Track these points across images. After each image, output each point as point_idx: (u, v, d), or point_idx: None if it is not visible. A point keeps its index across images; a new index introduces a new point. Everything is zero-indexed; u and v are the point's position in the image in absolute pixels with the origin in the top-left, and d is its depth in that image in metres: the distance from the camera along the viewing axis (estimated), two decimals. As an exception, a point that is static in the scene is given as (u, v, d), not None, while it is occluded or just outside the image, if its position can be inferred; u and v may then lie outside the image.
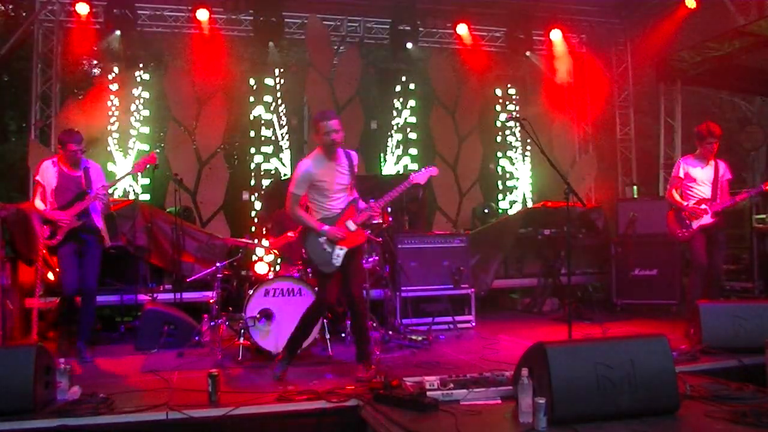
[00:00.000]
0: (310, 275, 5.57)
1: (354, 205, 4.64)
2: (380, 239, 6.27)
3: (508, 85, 10.99)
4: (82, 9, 8.51)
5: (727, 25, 8.29)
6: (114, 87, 9.22)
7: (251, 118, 9.67)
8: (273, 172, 9.64)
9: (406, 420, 3.29)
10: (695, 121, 7.12)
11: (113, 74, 9.25)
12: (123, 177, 5.60)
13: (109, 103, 9.15)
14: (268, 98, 9.69)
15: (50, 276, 6.44)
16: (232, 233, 8.77)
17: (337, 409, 3.78)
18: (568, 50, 10.33)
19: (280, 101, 9.81)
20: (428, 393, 3.61)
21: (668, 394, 3.31)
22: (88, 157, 5.52)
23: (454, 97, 10.48)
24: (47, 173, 5.25)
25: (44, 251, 5.42)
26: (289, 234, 5.82)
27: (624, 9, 10.12)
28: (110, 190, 5.77)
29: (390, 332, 6.04)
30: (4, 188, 11.17)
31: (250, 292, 5.28)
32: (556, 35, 10.04)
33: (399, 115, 10.33)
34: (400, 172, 9.95)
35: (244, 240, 6.68)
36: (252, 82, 9.73)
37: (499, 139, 10.90)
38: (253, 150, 9.64)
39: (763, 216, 7.37)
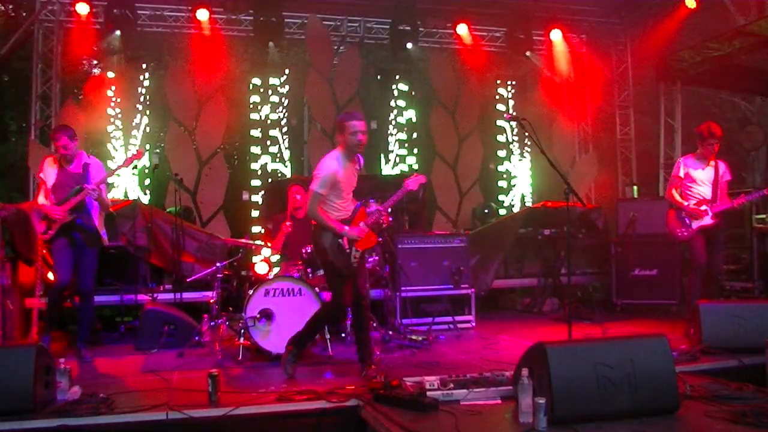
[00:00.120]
0: (310, 276, 5.57)
1: (364, 207, 4.69)
2: (380, 239, 6.27)
3: (508, 85, 10.99)
4: (82, 9, 8.51)
5: (727, 25, 8.29)
6: (114, 87, 9.22)
7: (251, 118, 9.67)
8: (275, 172, 9.63)
9: (406, 420, 3.29)
10: (695, 121, 7.13)
11: (113, 74, 9.25)
12: (110, 174, 5.52)
13: (109, 103, 9.15)
14: (268, 98, 9.68)
15: (50, 276, 6.44)
16: (232, 233, 8.77)
17: (337, 409, 3.78)
18: (568, 50, 10.33)
19: (280, 101, 9.81)
20: (428, 393, 3.60)
21: (668, 394, 3.31)
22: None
23: (454, 97, 10.48)
24: (48, 170, 5.28)
25: (44, 251, 5.43)
26: (287, 223, 5.90)
27: (624, 9, 10.12)
28: (108, 191, 5.76)
29: (390, 332, 6.05)
30: (4, 188, 11.17)
31: (250, 292, 5.28)
32: (556, 35, 10.03)
33: (399, 115, 10.33)
34: (401, 172, 9.96)
35: (244, 240, 6.69)
36: (252, 82, 9.73)
37: (499, 139, 10.91)
38: (253, 150, 9.64)
39: (763, 216, 7.37)
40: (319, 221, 4.50)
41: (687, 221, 5.96)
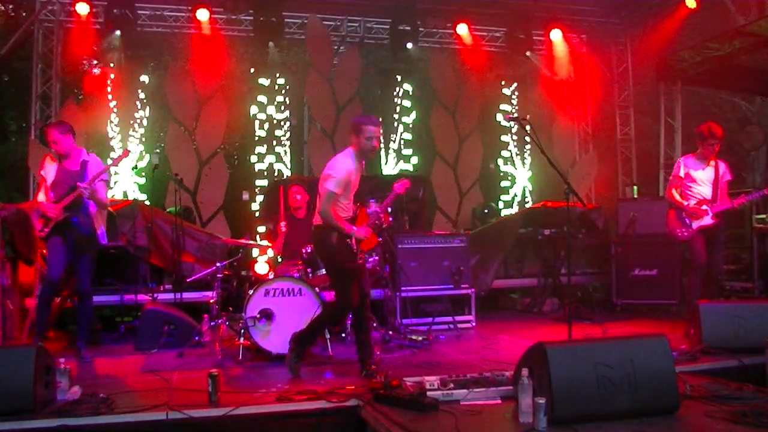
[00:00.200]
0: (310, 276, 5.57)
1: (364, 208, 4.72)
2: (380, 239, 6.28)
3: (508, 85, 10.99)
4: (82, 9, 8.51)
5: (727, 25, 8.30)
6: (114, 87, 9.22)
7: (251, 118, 9.67)
8: (273, 172, 9.63)
9: (406, 420, 3.29)
10: (695, 121, 7.12)
11: (113, 74, 9.25)
12: (98, 174, 5.37)
13: (110, 103, 9.15)
14: (268, 98, 9.68)
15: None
16: (232, 233, 8.78)
17: (337, 409, 3.78)
18: (568, 50, 10.33)
19: (280, 101, 9.81)
20: (428, 393, 3.60)
21: (668, 394, 3.31)
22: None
23: (454, 97, 10.48)
24: (48, 167, 5.28)
25: (43, 250, 5.42)
26: (282, 224, 5.92)
27: (624, 9, 10.12)
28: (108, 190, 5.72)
29: (390, 332, 6.05)
30: (4, 188, 11.17)
31: (250, 292, 5.28)
32: (556, 35, 10.03)
33: (399, 115, 10.34)
34: (401, 171, 9.96)
35: (244, 240, 6.69)
36: (252, 82, 9.72)
37: (500, 139, 10.91)
38: (253, 150, 9.63)
39: (763, 216, 7.37)
40: (330, 221, 4.46)
41: (687, 221, 5.96)
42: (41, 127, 8.74)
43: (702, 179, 5.98)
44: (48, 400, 3.67)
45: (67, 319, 6.75)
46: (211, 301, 5.78)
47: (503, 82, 10.97)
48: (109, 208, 6.14)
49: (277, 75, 9.79)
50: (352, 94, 9.97)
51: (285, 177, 9.48)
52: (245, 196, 9.52)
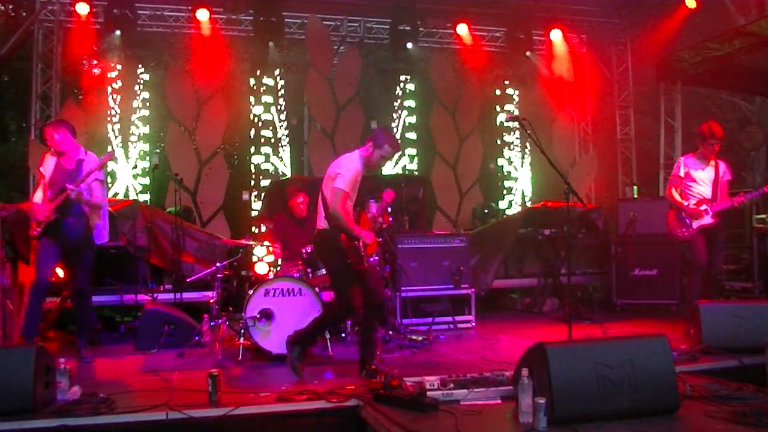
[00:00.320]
0: (310, 276, 5.57)
1: (365, 212, 4.72)
2: (380, 239, 6.27)
3: (508, 85, 10.99)
4: (82, 9, 8.52)
5: (727, 25, 8.30)
6: (114, 87, 9.22)
7: (251, 118, 9.67)
8: (273, 172, 9.62)
9: (406, 420, 3.29)
10: (695, 121, 7.13)
11: (113, 74, 9.25)
12: (86, 176, 5.30)
13: (110, 103, 9.15)
14: (268, 98, 9.67)
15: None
16: (232, 233, 8.78)
17: (337, 409, 3.78)
18: (568, 50, 10.33)
19: (280, 101, 9.81)
20: (428, 393, 3.60)
21: (668, 394, 3.31)
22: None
23: (454, 97, 10.48)
24: (47, 165, 5.25)
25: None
26: (270, 226, 5.94)
27: (624, 9, 10.12)
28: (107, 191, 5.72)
29: (390, 332, 6.04)
30: (4, 188, 11.17)
31: (250, 292, 5.28)
32: (556, 35, 10.04)
33: (399, 115, 10.33)
34: (400, 172, 9.96)
35: (244, 240, 6.68)
36: (252, 82, 9.72)
37: (500, 139, 10.91)
38: (253, 150, 9.63)
39: (763, 216, 7.37)
40: (340, 221, 4.38)
41: (687, 221, 5.96)
42: (41, 126, 8.75)
43: (702, 179, 5.98)
44: (48, 400, 3.67)
45: (67, 319, 6.74)
46: (211, 301, 5.78)
47: (503, 82, 10.97)
48: (109, 208, 6.12)
49: (278, 75, 9.79)
50: (352, 94, 9.97)
51: (285, 177, 9.48)
52: (245, 196, 9.53)
